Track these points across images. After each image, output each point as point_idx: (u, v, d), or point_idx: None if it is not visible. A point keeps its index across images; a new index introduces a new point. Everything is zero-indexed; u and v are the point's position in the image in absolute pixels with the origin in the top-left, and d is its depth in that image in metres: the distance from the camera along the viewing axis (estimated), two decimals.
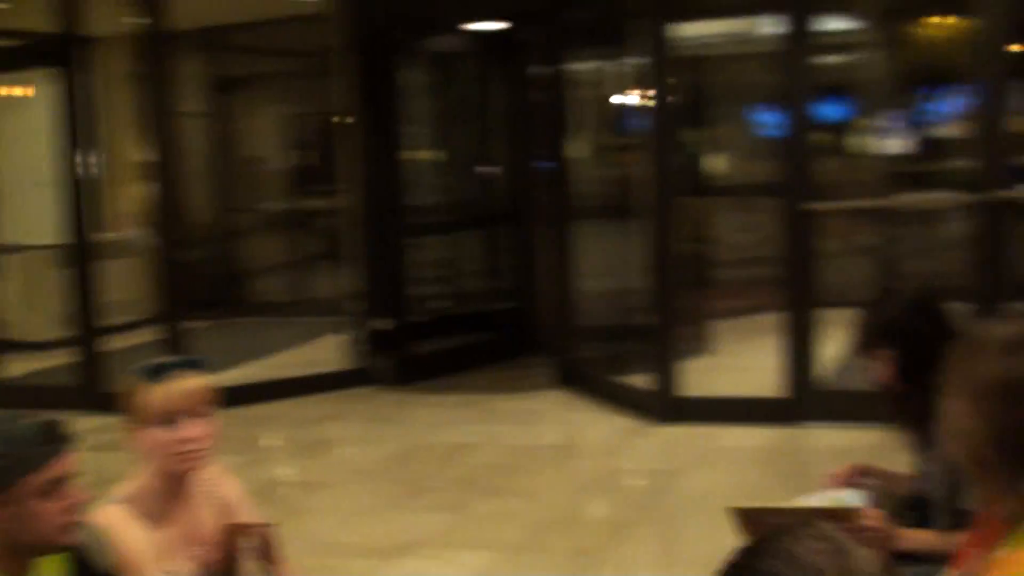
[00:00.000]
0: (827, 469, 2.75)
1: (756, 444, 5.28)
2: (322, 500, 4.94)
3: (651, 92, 5.72)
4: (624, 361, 6.54)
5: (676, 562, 4.03)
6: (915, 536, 2.41)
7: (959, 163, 6.62)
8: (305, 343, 8.33)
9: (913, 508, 2.55)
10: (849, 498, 2.48)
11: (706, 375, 6.33)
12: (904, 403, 2.55)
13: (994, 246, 5.19)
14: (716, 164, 9.33)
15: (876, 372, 2.56)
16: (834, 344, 6.56)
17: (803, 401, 5.47)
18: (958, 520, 2.39)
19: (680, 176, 5.89)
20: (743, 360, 6.82)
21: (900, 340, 2.50)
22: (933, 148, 8.20)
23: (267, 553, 2.38)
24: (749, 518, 2.47)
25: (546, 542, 4.27)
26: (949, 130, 7.92)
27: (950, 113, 8.09)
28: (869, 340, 2.56)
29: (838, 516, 2.39)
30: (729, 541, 4.57)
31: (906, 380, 2.50)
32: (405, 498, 4.90)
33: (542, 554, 4.14)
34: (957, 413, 1.64)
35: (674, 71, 5.73)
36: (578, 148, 7.04)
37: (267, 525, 2.41)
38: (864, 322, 2.58)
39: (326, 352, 7.50)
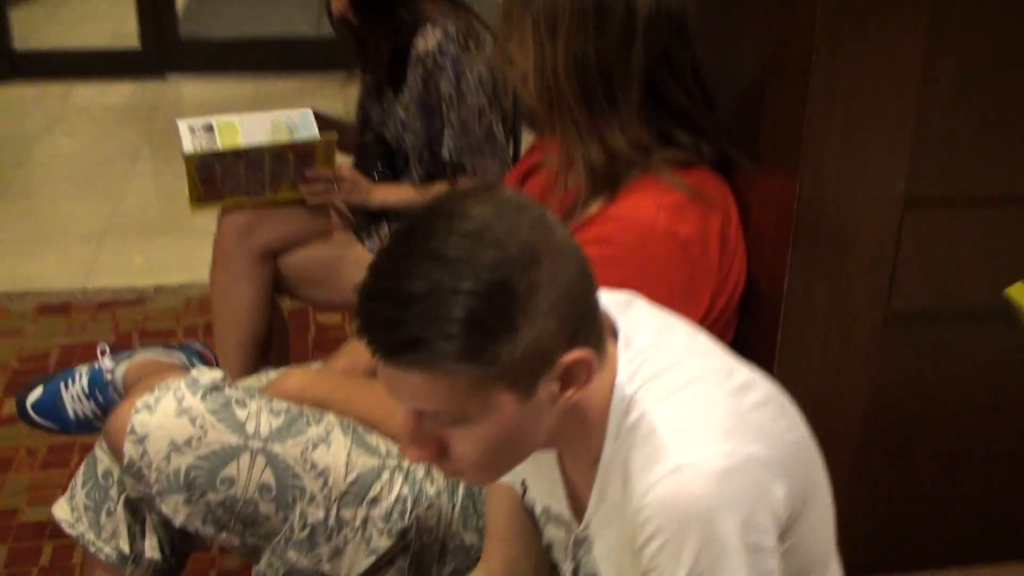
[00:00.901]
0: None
1: (117, 101, 4.78)
2: None
3: None
4: None
5: (45, 236, 3.57)
6: (390, 190, 2.27)
7: None
8: None
9: (371, 157, 2.37)
10: (301, 120, 2.14)
11: (45, 25, 5.58)
12: (361, 40, 2.31)
13: None
14: None
15: (332, 5, 2.27)
16: None
17: (163, 52, 5.03)
18: (433, 170, 2.28)
19: None
20: (88, 8, 6.09)
21: None
22: None
23: None
24: (204, 164, 2.07)
25: None
26: None
27: None
28: None
29: (309, 151, 2.12)
30: (104, 208, 4.11)
31: (362, 12, 2.26)
32: None
33: None
34: (527, 49, 1.45)
35: None
36: None
37: None
38: None
39: None
